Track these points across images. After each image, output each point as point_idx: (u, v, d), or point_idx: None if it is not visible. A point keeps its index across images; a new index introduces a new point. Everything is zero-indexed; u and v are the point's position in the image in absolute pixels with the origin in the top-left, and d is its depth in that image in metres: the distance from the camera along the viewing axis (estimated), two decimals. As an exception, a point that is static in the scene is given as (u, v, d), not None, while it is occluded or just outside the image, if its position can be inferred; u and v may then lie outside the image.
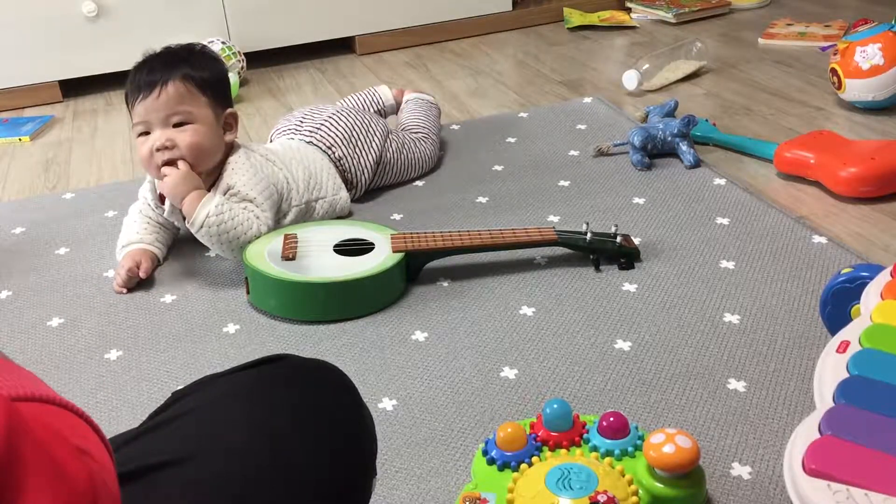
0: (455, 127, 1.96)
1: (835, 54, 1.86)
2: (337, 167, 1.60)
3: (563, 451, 0.92)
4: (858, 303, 1.03)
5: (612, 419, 0.93)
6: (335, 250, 1.36)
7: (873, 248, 1.36)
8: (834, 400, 0.81)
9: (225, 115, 1.44)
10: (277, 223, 1.45)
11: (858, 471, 0.72)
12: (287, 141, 1.62)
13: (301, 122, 1.66)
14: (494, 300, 1.31)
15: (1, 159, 2.05)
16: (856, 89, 1.82)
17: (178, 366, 1.22)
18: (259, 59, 2.50)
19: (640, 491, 0.85)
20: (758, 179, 1.62)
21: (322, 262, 1.33)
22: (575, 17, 2.66)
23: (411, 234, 1.38)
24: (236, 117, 1.47)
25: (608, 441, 0.92)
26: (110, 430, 0.71)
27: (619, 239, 1.37)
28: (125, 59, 1.45)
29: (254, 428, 0.65)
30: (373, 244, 1.37)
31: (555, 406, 0.94)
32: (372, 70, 2.45)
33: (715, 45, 2.35)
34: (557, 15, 2.72)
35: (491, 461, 0.91)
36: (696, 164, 1.66)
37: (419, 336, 1.23)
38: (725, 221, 1.47)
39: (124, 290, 1.41)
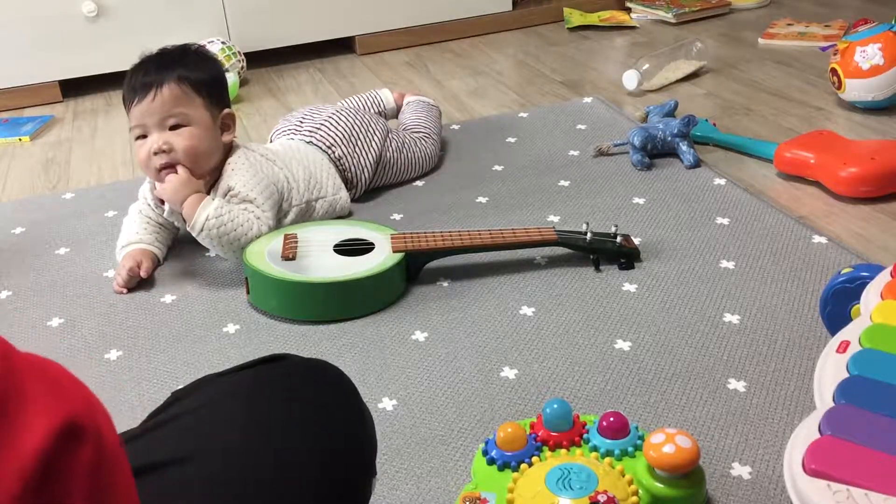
0: (455, 127, 1.96)
1: (835, 54, 1.86)
2: (337, 167, 1.60)
3: (563, 451, 0.92)
4: (858, 303, 1.03)
5: (612, 419, 0.93)
6: (335, 250, 1.36)
7: (873, 248, 1.36)
8: (834, 400, 0.81)
9: (222, 116, 1.44)
10: (278, 223, 1.45)
11: (858, 471, 0.72)
12: (287, 141, 1.62)
13: (301, 121, 1.66)
14: (494, 300, 1.31)
15: (1, 159, 2.05)
16: (856, 89, 1.82)
17: (178, 366, 1.22)
18: (259, 59, 2.50)
19: (640, 491, 0.85)
20: (758, 179, 1.62)
21: (322, 262, 1.33)
22: (575, 17, 2.66)
23: (411, 234, 1.38)
24: (234, 118, 1.47)
25: (608, 441, 0.92)
26: (110, 430, 0.71)
27: (619, 239, 1.37)
28: (125, 59, 1.45)
29: (253, 428, 0.65)
30: (373, 244, 1.37)
31: (555, 406, 0.94)
32: (372, 70, 2.45)
33: (715, 45, 2.35)
34: (557, 15, 2.72)
35: (491, 461, 0.91)
36: (696, 164, 1.66)
37: (419, 336, 1.23)
38: (725, 221, 1.47)
39: (125, 290, 1.41)
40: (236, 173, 1.41)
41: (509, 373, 1.14)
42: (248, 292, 1.35)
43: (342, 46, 2.62)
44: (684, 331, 1.19)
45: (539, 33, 2.65)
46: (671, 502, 0.86)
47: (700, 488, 0.87)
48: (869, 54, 1.79)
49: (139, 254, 1.45)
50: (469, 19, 2.66)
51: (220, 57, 2.29)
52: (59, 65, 2.35)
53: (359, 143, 1.62)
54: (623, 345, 1.18)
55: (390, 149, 1.67)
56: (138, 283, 1.43)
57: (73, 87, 2.41)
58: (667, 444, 0.85)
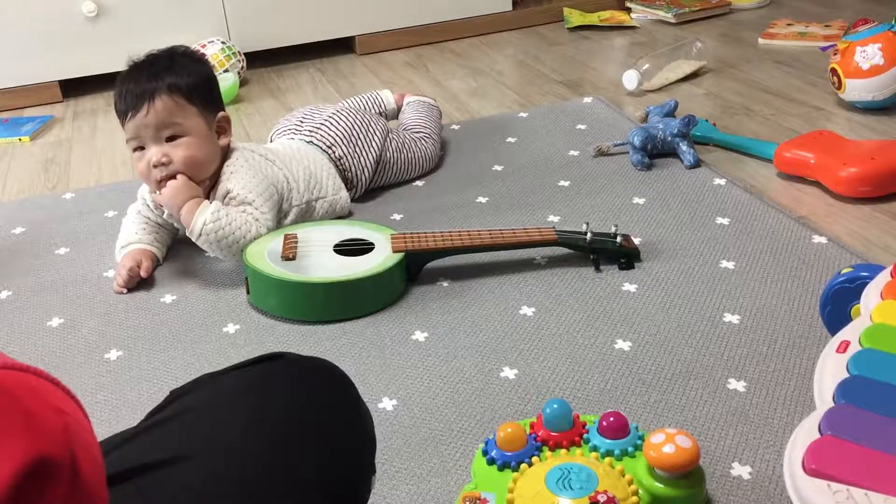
0: (455, 127, 1.96)
1: (835, 54, 1.86)
2: (337, 166, 1.60)
3: (563, 451, 0.92)
4: (858, 303, 1.03)
5: (612, 419, 0.93)
6: (335, 250, 1.36)
7: (873, 248, 1.36)
8: (834, 400, 0.81)
9: (217, 120, 1.43)
10: (278, 223, 1.45)
11: (858, 471, 0.72)
12: (287, 141, 1.62)
13: (301, 121, 1.66)
14: (494, 300, 1.31)
15: (1, 159, 2.05)
16: (856, 89, 1.82)
17: (178, 366, 1.22)
18: (259, 59, 2.50)
19: (640, 491, 0.85)
20: (758, 179, 1.62)
21: (322, 262, 1.33)
22: (575, 17, 2.66)
23: (411, 234, 1.38)
24: (229, 120, 1.46)
25: (608, 441, 0.92)
26: (110, 430, 0.71)
27: (619, 239, 1.37)
28: (125, 59, 1.45)
29: (252, 426, 0.65)
30: (373, 244, 1.37)
31: (555, 406, 0.94)
32: (372, 70, 2.45)
33: (715, 45, 2.35)
34: (557, 15, 2.72)
35: (491, 461, 0.91)
36: (696, 164, 1.66)
37: (419, 336, 1.23)
38: (725, 221, 1.47)
39: (125, 290, 1.41)
40: (234, 176, 1.41)
41: (509, 373, 1.14)
42: (248, 292, 1.35)
43: (342, 46, 2.62)
44: (684, 331, 1.19)
45: (539, 33, 2.65)
46: (671, 502, 0.85)
47: (700, 488, 0.87)
48: (869, 54, 1.79)
49: (139, 254, 1.45)
50: (469, 19, 2.66)
51: (221, 57, 2.30)
52: (59, 65, 2.36)
53: (359, 142, 1.62)
54: (623, 345, 1.18)
55: (390, 149, 1.67)
56: (138, 283, 1.43)
57: (73, 87, 2.41)
58: (667, 444, 0.85)
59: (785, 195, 1.56)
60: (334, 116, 1.64)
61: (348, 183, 1.61)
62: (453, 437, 1.03)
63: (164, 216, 1.46)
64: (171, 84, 1.37)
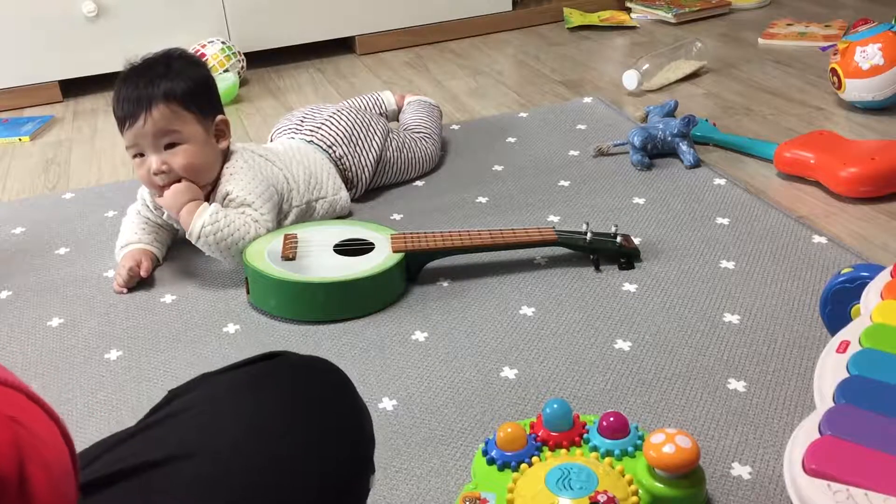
0: (455, 127, 1.96)
1: (835, 54, 1.86)
2: (337, 166, 1.60)
3: (563, 451, 0.92)
4: (858, 303, 1.03)
5: (612, 419, 0.93)
6: (335, 250, 1.36)
7: (873, 248, 1.36)
8: (834, 400, 0.81)
9: (216, 124, 1.43)
10: (279, 224, 1.45)
11: (858, 471, 0.72)
12: (288, 140, 1.62)
13: (302, 121, 1.66)
14: (494, 300, 1.31)
15: (1, 159, 2.05)
16: (856, 89, 1.82)
17: (178, 366, 1.22)
18: (259, 59, 2.50)
19: (640, 491, 0.85)
20: (758, 179, 1.62)
21: (322, 262, 1.33)
22: (575, 17, 2.66)
23: (411, 234, 1.38)
24: (227, 123, 1.46)
25: (608, 441, 0.92)
26: (110, 430, 0.71)
27: (619, 239, 1.37)
28: (125, 59, 1.45)
29: (251, 425, 0.65)
30: (373, 244, 1.37)
31: (555, 406, 0.94)
32: (372, 70, 2.45)
33: (715, 45, 2.35)
34: (557, 15, 2.72)
35: (491, 461, 0.91)
36: (696, 164, 1.66)
37: (419, 336, 1.23)
38: (725, 221, 1.47)
39: (125, 290, 1.41)
40: (234, 178, 1.41)
41: (509, 373, 1.14)
42: (248, 292, 1.35)
43: (342, 46, 2.62)
44: (684, 331, 1.19)
45: (539, 33, 2.65)
46: (671, 502, 0.86)
47: (700, 488, 0.87)
48: (869, 54, 1.79)
49: (138, 253, 1.45)
50: (469, 19, 2.66)
51: (221, 57, 2.30)
52: (59, 65, 2.36)
53: (359, 142, 1.62)
54: (623, 345, 1.17)
55: (391, 148, 1.67)
56: (138, 282, 1.43)
57: (73, 87, 2.41)
58: (667, 444, 0.85)
59: (785, 195, 1.56)
60: (335, 116, 1.64)
61: (348, 183, 1.61)
62: (453, 437, 1.03)
63: (164, 217, 1.46)
64: (167, 91, 1.36)
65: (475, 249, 1.38)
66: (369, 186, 1.66)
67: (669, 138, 1.69)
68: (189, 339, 1.28)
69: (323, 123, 1.63)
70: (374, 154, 1.63)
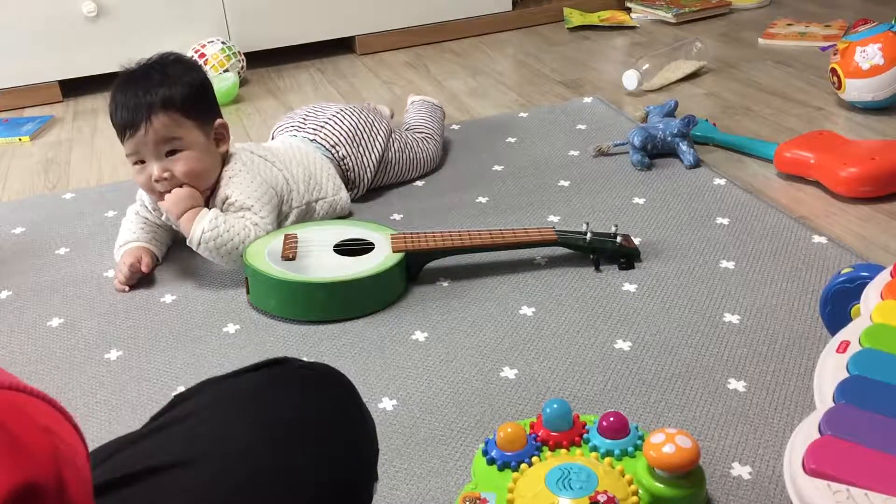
0: (455, 127, 1.96)
1: (835, 54, 1.86)
2: (339, 166, 1.60)
3: (563, 451, 0.92)
4: (858, 303, 1.03)
5: (612, 419, 0.93)
6: (335, 250, 1.36)
7: (873, 248, 1.36)
8: (834, 400, 0.81)
9: (215, 128, 1.43)
10: (279, 225, 1.45)
11: (858, 471, 0.72)
12: (289, 139, 1.62)
13: (305, 119, 1.66)
14: (494, 300, 1.31)
15: (1, 159, 2.05)
16: (856, 89, 1.82)
17: (179, 366, 1.22)
18: (259, 59, 2.50)
19: (640, 491, 0.85)
20: (758, 179, 1.62)
21: (322, 262, 1.33)
22: (575, 17, 2.66)
23: (411, 234, 1.38)
24: (227, 126, 1.45)
25: (608, 441, 0.92)
26: (110, 430, 0.71)
27: (619, 239, 1.37)
28: (125, 60, 1.45)
29: (255, 431, 0.65)
30: (373, 244, 1.37)
31: (555, 406, 0.94)
32: (372, 70, 2.45)
33: (715, 45, 2.35)
34: (557, 15, 2.72)
35: (491, 461, 0.91)
36: (696, 164, 1.66)
37: (419, 336, 1.23)
38: (725, 221, 1.47)
39: (126, 288, 1.41)
40: (233, 181, 1.41)
41: (509, 373, 1.14)
42: (248, 292, 1.35)
43: (342, 46, 2.62)
44: (684, 331, 1.19)
45: (539, 33, 2.65)
46: (671, 502, 0.86)
47: (700, 488, 0.87)
48: (869, 54, 1.79)
49: (138, 250, 1.45)
50: (469, 19, 2.66)
51: (221, 57, 2.30)
52: (59, 65, 2.35)
53: (362, 142, 1.62)
54: (623, 345, 1.18)
55: (393, 148, 1.67)
56: (138, 281, 1.43)
57: (73, 87, 2.41)
58: (667, 444, 0.85)
59: (785, 195, 1.56)
60: (338, 115, 1.64)
61: (350, 183, 1.61)
62: (453, 437, 1.03)
63: (163, 218, 1.46)
64: (165, 99, 1.35)
65: (475, 249, 1.38)
66: (371, 186, 1.66)
67: (669, 138, 1.69)
68: (189, 339, 1.28)
69: (326, 122, 1.62)
70: (377, 154, 1.63)
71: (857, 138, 1.67)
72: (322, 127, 1.62)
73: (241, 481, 0.61)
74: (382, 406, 1.09)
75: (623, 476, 0.86)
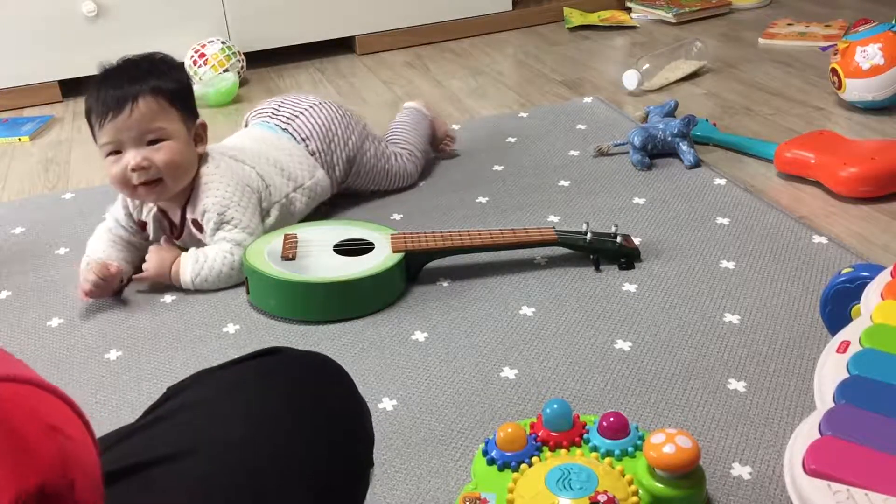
0: (455, 127, 1.96)
1: (835, 54, 1.86)
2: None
3: (563, 451, 0.92)
4: (858, 303, 1.03)
5: (612, 419, 0.93)
6: (335, 250, 1.36)
7: (873, 248, 1.36)
8: (834, 400, 0.81)
9: (195, 128, 1.42)
10: (262, 221, 1.45)
11: (858, 471, 0.72)
12: (256, 131, 1.58)
13: (279, 106, 1.62)
14: (494, 300, 1.31)
15: (1, 159, 2.05)
16: (856, 89, 1.82)
17: (178, 366, 1.22)
18: (259, 59, 2.50)
19: (641, 491, 0.85)
20: (758, 179, 1.62)
21: (322, 262, 1.33)
22: (575, 17, 2.66)
23: (411, 234, 1.38)
24: (206, 128, 1.45)
25: (608, 441, 0.92)
26: (110, 430, 0.71)
27: (619, 239, 1.37)
28: (100, 64, 1.43)
29: (251, 421, 0.65)
30: (373, 244, 1.37)
31: (555, 406, 0.94)
32: (372, 70, 2.45)
33: (715, 45, 2.35)
34: (557, 15, 2.72)
35: (491, 461, 0.91)
36: (696, 164, 1.66)
37: (419, 336, 1.23)
38: (725, 221, 1.47)
39: (90, 299, 1.38)
40: (209, 188, 1.40)
41: (509, 373, 1.14)
42: (248, 292, 1.35)
43: (342, 46, 2.62)
44: (684, 331, 1.19)
45: (539, 33, 2.65)
46: (671, 502, 0.85)
47: (700, 488, 0.87)
48: (869, 54, 1.79)
49: (104, 264, 1.40)
50: (469, 19, 2.66)
51: (221, 57, 2.30)
52: (59, 65, 2.35)
53: (335, 138, 1.58)
54: (623, 345, 1.17)
55: (367, 154, 1.62)
56: (137, 283, 1.43)
57: (73, 87, 2.41)
58: (667, 444, 0.85)
59: (785, 195, 1.56)
60: (315, 108, 1.60)
61: None
62: (453, 437, 1.03)
63: (151, 238, 1.46)
64: (155, 87, 1.35)
65: (475, 249, 1.38)
66: (342, 184, 1.62)
67: (669, 138, 1.69)
68: (189, 339, 1.28)
69: (301, 113, 1.59)
70: (347, 154, 1.59)
71: (857, 138, 1.67)
72: (296, 117, 1.59)
73: (237, 471, 0.62)
74: (382, 406, 1.09)
75: (623, 476, 0.86)
